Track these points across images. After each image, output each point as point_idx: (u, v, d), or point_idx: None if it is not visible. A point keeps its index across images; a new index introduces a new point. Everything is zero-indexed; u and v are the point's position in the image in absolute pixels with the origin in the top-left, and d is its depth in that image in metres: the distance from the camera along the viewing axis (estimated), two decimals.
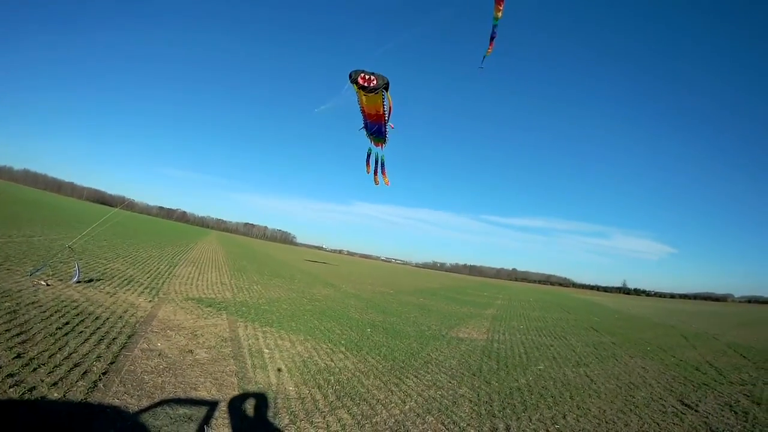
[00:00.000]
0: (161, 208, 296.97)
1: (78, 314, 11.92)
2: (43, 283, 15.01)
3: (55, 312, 11.70)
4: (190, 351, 10.56)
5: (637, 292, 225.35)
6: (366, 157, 14.33)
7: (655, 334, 29.23)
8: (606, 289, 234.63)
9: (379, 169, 14.81)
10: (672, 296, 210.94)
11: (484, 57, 12.80)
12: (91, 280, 17.25)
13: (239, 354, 10.96)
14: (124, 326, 11.58)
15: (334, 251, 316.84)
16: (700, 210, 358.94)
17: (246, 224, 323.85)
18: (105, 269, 20.77)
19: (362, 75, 9.81)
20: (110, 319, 11.97)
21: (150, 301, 15.60)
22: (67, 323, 10.87)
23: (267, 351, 11.66)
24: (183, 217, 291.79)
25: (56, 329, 10.20)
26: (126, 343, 10.21)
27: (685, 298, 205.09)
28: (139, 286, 18.10)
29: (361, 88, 9.91)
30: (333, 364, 11.45)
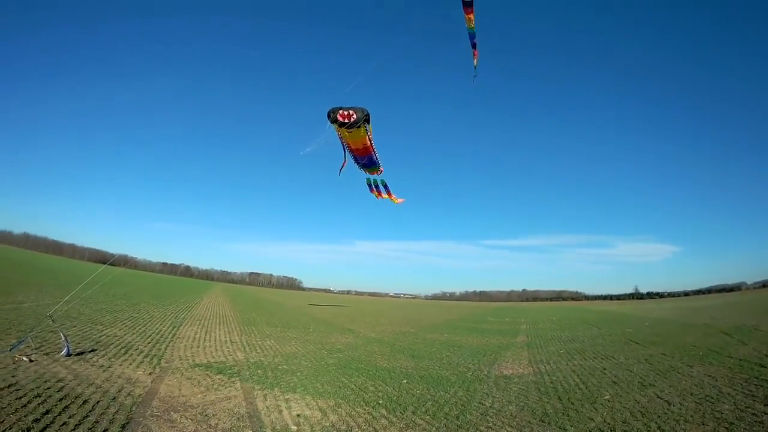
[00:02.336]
0: (165, 264, 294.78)
1: (62, 398, 9.81)
2: (25, 359, 12.91)
3: (35, 397, 9.63)
4: None
5: (651, 295, 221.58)
6: (368, 187, 14.11)
7: (696, 337, 27.37)
8: (619, 297, 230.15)
9: (383, 191, 14.54)
10: (686, 294, 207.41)
11: (474, 67, 12.82)
12: (82, 352, 15.07)
13: None
14: (117, 411, 9.39)
15: (342, 292, 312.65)
16: (699, 204, 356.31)
17: (251, 274, 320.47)
18: (101, 337, 18.56)
19: (340, 112, 9.63)
20: (101, 403, 9.81)
21: (150, 373, 13.35)
22: (47, 412, 8.83)
23: (295, 428, 9.40)
24: (187, 272, 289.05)
25: (32, 422, 8.17)
26: None
27: (699, 293, 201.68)
28: (138, 355, 15.87)
29: (342, 125, 9.68)
30: None
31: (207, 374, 14.07)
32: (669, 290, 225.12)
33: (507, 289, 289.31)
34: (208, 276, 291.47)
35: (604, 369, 17.64)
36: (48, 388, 10.38)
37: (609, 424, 10.34)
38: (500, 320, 58.72)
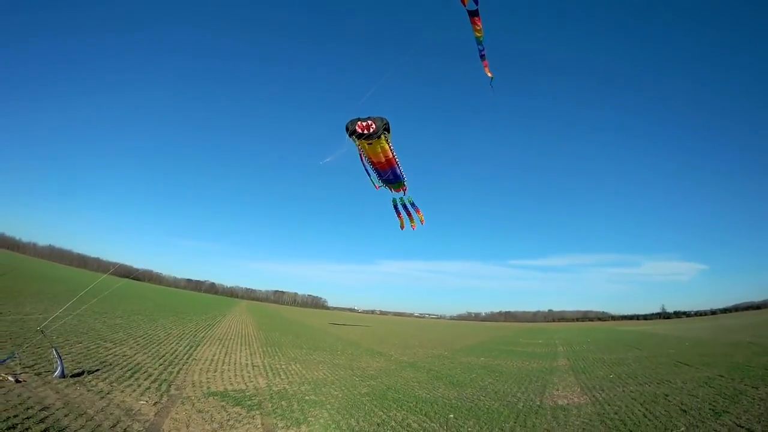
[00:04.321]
0: (189, 280, 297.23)
1: None
2: (11, 378, 11.02)
3: (8, 429, 7.69)
4: None
5: (677, 314, 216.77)
6: (394, 210, 13.54)
7: (745, 356, 25.31)
8: (646, 317, 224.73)
9: (412, 212, 13.93)
10: (713, 312, 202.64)
11: (491, 79, 12.37)
12: (81, 373, 13.06)
13: None
14: None
15: (367, 312, 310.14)
16: (724, 221, 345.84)
17: (276, 292, 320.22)
18: (107, 355, 16.59)
19: (359, 123, 9.34)
20: None
21: (156, 403, 11.19)
22: None
23: None
24: (212, 289, 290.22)
25: None
26: None
27: (726, 312, 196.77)
28: (145, 379, 13.79)
29: (360, 136, 9.37)
30: None
31: (222, 406, 11.86)
32: (695, 309, 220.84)
33: (533, 309, 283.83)
34: (232, 293, 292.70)
35: (666, 395, 15.52)
36: (28, 418, 8.44)
37: None
38: (533, 342, 56.11)
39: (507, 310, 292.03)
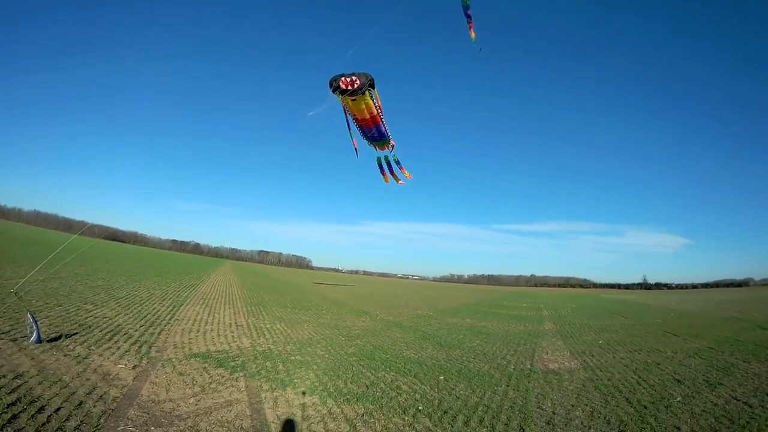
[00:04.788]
0: (174, 241, 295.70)
1: (13, 403, 7.39)
2: None
3: None
4: None
5: (659, 286, 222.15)
6: (379, 168, 13.25)
7: (733, 330, 26.21)
8: (627, 287, 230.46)
9: (395, 169, 13.67)
10: (694, 287, 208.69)
11: (476, 42, 11.70)
12: (59, 337, 12.61)
13: None
14: (79, 426, 6.89)
15: (351, 272, 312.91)
16: (710, 198, 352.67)
17: (260, 252, 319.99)
18: (87, 318, 16.11)
19: (342, 79, 9.09)
20: (61, 411, 7.32)
21: (135, 366, 10.80)
22: None
23: None
24: (197, 249, 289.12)
25: None
26: None
27: (707, 287, 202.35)
28: (125, 341, 13.37)
29: (344, 92, 9.12)
30: None
31: (204, 368, 11.52)
32: (677, 282, 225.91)
33: (515, 273, 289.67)
34: (217, 253, 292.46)
35: (658, 364, 15.63)
36: None
37: None
38: (518, 305, 56.95)
39: (490, 273, 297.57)
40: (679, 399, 10.78)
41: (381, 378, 12.13)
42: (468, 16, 10.98)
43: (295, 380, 11.09)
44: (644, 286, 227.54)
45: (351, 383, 11.27)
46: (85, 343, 12.36)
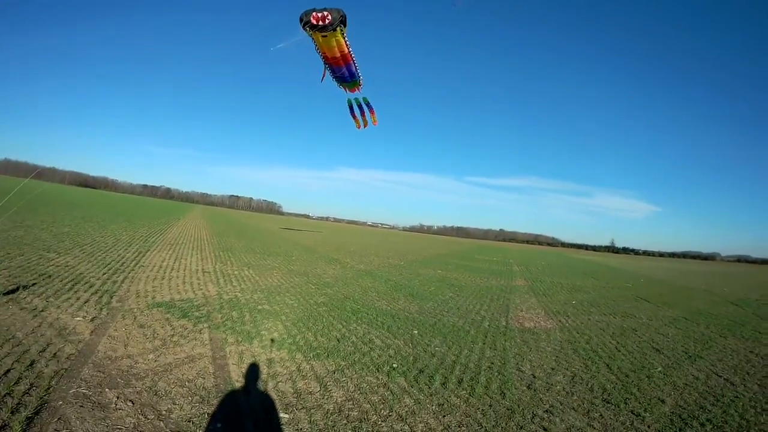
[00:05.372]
0: (145, 186, 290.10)
1: None
2: None
3: None
4: None
5: (626, 250, 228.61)
6: (349, 111, 12.55)
7: (705, 303, 26.14)
8: (595, 248, 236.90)
9: (366, 112, 12.90)
10: (661, 255, 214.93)
11: None
12: (16, 289, 11.94)
13: None
14: (29, 389, 6.45)
15: (321, 218, 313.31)
16: (683, 169, 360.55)
17: (231, 197, 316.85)
18: (48, 267, 15.36)
19: (314, 14, 8.53)
20: (11, 373, 6.82)
21: (93, 318, 10.32)
22: None
23: (286, 416, 6.64)
24: (167, 194, 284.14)
25: None
26: None
27: (673, 256, 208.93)
28: (86, 291, 12.83)
29: (314, 28, 8.54)
30: (408, 428, 6.54)
31: (167, 319, 11.11)
32: (644, 248, 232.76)
33: (485, 227, 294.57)
34: (188, 198, 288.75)
35: (635, 330, 15.77)
36: None
37: (684, 409, 8.15)
38: (488, 259, 57.87)
39: (459, 225, 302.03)
40: (659, 369, 10.79)
41: (353, 331, 12.00)
42: None
43: (263, 332, 10.85)
44: (612, 249, 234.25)
45: (321, 336, 11.10)
46: (44, 295, 11.76)
